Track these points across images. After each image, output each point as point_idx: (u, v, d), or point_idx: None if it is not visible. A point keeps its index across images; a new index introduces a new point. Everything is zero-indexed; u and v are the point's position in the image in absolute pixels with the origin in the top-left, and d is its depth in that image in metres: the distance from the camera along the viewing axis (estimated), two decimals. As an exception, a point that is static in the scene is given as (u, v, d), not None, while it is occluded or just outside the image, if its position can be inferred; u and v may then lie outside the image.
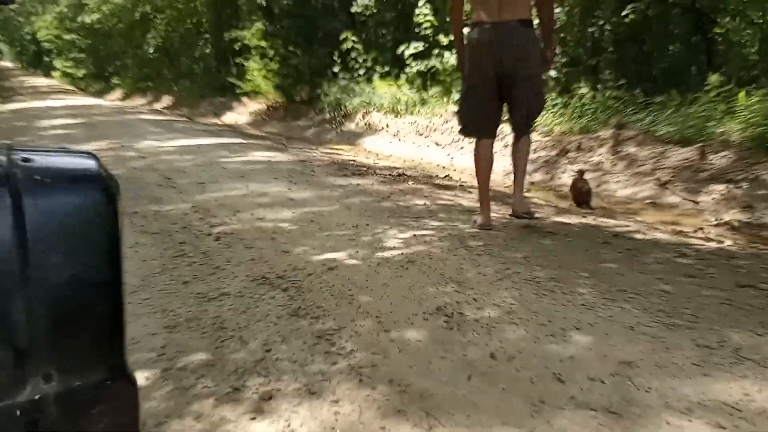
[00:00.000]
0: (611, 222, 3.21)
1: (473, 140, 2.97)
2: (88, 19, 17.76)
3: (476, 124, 2.87)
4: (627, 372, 1.44)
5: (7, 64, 38.49)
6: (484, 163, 2.88)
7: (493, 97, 2.77)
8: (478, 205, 3.04)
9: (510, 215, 2.99)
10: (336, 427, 1.22)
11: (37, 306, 0.46)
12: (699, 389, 1.36)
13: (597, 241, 2.72)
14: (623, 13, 5.20)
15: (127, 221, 2.80)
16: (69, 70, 24.02)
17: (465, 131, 3.00)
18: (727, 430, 1.21)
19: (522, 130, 2.85)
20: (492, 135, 2.87)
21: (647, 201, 3.90)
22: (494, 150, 2.93)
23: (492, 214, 3.04)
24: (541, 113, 3.03)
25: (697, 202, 3.66)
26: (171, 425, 1.22)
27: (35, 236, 0.46)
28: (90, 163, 0.53)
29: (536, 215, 2.97)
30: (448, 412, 1.27)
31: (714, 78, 4.29)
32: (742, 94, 4.09)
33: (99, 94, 20.44)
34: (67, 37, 21.64)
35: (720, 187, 3.68)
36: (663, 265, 2.34)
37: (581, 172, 3.66)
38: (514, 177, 2.92)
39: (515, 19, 2.65)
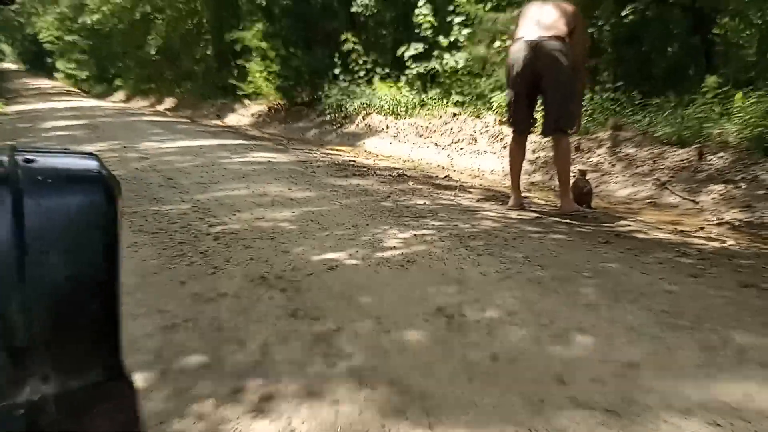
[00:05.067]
0: (612, 222, 3.21)
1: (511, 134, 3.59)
2: (88, 20, 17.75)
3: (514, 122, 3.44)
4: (629, 373, 1.44)
5: (10, 66, 38.51)
6: (515, 154, 3.48)
7: (525, 102, 3.30)
8: (479, 204, 3.60)
9: (558, 216, 3.24)
10: (337, 426, 1.22)
11: (34, 306, 0.46)
12: (700, 390, 1.36)
13: (598, 240, 2.72)
14: (623, 14, 5.19)
15: (126, 221, 2.80)
16: (72, 72, 24.06)
17: (510, 127, 3.59)
18: (725, 429, 1.21)
19: (548, 130, 3.32)
20: (523, 132, 3.43)
21: (647, 201, 3.89)
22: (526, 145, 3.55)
23: (491, 213, 3.24)
24: (573, 119, 3.37)
25: (697, 202, 3.65)
26: (172, 425, 1.22)
27: (36, 236, 0.46)
28: (92, 164, 0.54)
29: (587, 212, 3.33)
30: (448, 412, 1.27)
31: (711, 80, 4.29)
32: (739, 95, 4.08)
33: (102, 96, 20.47)
34: (69, 38, 21.63)
35: (719, 187, 3.67)
36: (665, 264, 2.33)
37: (583, 172, 3.65)
38: (558, 180, 3.40)
39: (546, 36, 3.12)
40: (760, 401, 1.31)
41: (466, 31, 6.73)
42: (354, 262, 2.31)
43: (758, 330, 1.68)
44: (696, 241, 2.81)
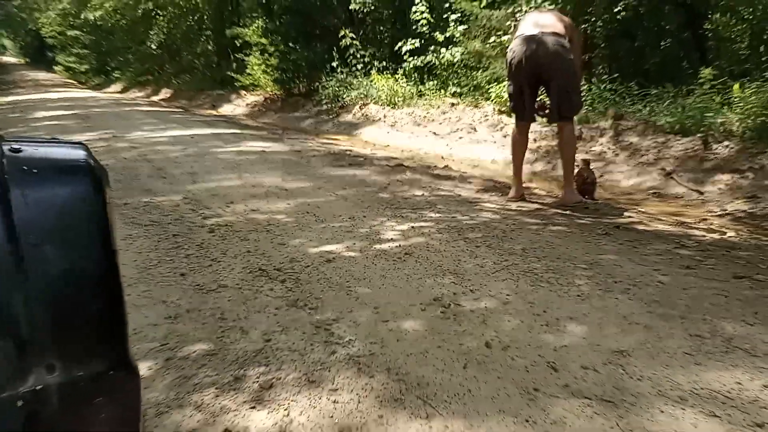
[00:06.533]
0: (613, 213, 3.21)
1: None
2: (91, 16, 17.58)
3: (516, 110, 3.51)
4: (620, 361, 1.46)
5: (11, 59, 38.23)
6: (518, 143, 3.53)
7: (527, 92, 3.36)
8: (478, 195, 3.60)
9: (559, 208, 3.27)
10: (334, 416, 1.24)
11: (32, 296, 0.46)
12: (691, 378, 1.38)
13: (597, 232, 2.73)
14: (615, 10, 5.19)
15: (118, 213, 2.79)
16: (71, 65, 23.89)
17: (513, 115, 3.68)
18: (721, 419, 1.23)
19: (553, 117, 3.41)
20: (525, 119, 3.49)
21: (651, 191, 3.87)
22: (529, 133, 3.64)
23: (491, 205, 3.25)
24: (574, 106, 3.42)
25: (702, 192, 3.64)
26: (171, 415, 1.24)
27: (23, 226, 0.46)
28: (79, 154, 0.53)
29: (588, 203, 3.37)
30: (444, 401, 1.29)
31: (707, 72, 4.30)
32: (737, 86, 4.08)
33: (99, 87, 20.34)
34: (71, 33, 21.48)
35: (725, 177, 3.64)
36: (662, 256, 2.35)
37: (587, 162, 3.64)
38: (562, 169, 3.45)
39: (544, 32, 3.23)
40: (752, 390, 1.33)
41: (461, 28, 6.72)
42: (352, 254, 2.32)
43: (747, 319, 1.71)
44: (696, 232, 2.82)
